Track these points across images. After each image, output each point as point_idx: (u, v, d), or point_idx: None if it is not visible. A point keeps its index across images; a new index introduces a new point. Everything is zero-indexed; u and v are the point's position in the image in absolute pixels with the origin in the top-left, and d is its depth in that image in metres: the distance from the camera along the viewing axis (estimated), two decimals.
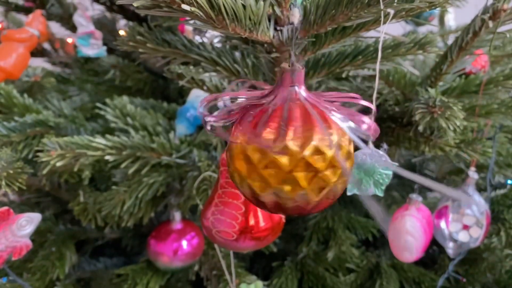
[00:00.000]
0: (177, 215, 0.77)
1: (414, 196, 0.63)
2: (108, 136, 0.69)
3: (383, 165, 0.49)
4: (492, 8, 0.52)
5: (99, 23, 1.04)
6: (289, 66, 0.37)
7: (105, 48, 0.89)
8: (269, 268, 0.91)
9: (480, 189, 0.80)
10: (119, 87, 1.00)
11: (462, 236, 0.68)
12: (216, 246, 0.66)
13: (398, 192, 0.96)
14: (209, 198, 0.52)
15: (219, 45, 0.58)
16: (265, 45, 0.49)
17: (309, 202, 0.36)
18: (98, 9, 1.02)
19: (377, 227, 0.89)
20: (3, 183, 0.60)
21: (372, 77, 0.67)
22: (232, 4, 0.37)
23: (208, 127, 0.39)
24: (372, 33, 0.50)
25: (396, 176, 0.97)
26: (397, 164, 0.49)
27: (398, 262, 0.88)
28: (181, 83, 0.62)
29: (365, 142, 0.39)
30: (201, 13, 0.36)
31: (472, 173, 0.69)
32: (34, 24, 0.75)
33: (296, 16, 0.41)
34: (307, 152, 0.34)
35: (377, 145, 0.50)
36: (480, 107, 0.66)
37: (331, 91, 0.39)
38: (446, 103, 0.57)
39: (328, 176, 0.36)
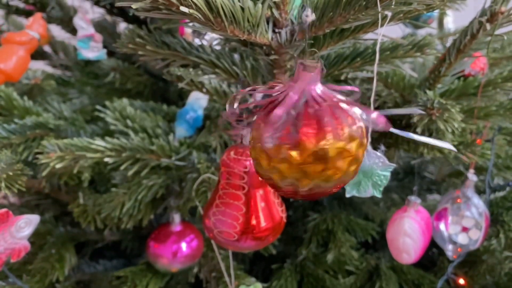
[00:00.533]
0: (176, 217, 0.77)
1: (412, 198, 0.64)
2: (107, 138, 0.69)
3: (381, 167, 0.49)
4: (490, 10, 0.53)
5: (99, 26, 1.04)
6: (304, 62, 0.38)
7: (105, 51, 0.90)
8: (269, 270, 0.91)
9: (480, 191, 0.80)
10: (119, 90, 1.00)
11: (461, 238, 0.68)
12: (215, 248, 0.66)
13: (397, 194, 0.96)
14: (210, 199, 0.52)
15: (218, 47, 0.59)
16: (264, 47, 0.49)
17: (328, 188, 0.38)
18: (98, 12, 1.02)
19: (377, 229, 0.89)
20: (3, 185, 0.60)
21: (371, 79, 0.67)
22: (231, 6, 0.37)
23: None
24: (370, 35, 0.51)
25: (395, 178, 0.97)
26: (395, 165, 0.49)
27: (397, 264, 0.88)
28: (180, 85, 0.62)
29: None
30: (199, 15, 0.36)
31: (471, 175, 0.69)
32: (35, 27, 0.76)
33: (309, 16, 0.41)
34: (339, 144, 0.36)
35: (375, 147, 0.50)
36: (479, 109, 0.66)
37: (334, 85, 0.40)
38: (444, 105, 0.57)
39: (341, 165, 0.37)
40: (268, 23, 0.43)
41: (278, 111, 0.37)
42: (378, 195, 0.51)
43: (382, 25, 0.43)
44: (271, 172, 0.38)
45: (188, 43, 0.56)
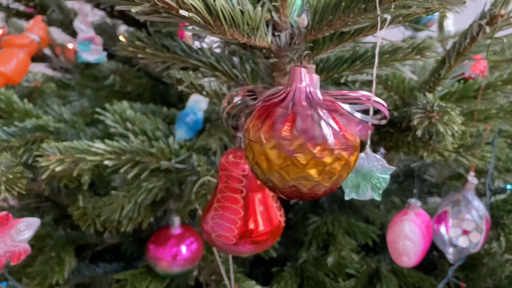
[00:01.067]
0: (176, 220, 0.77)
1: (413, 201, 0.64)
2: (107, 141, 0.69)
3: (380, 170, 0.49)
4: (489, 13, 0.53)
5: (99, 28, 1.04)
6: (299, 65, 0.38)
7: (105, 53, 0.90)
8: (269, 273, 0.91)
9: (480, 194, 0.80)
10: (119, 92, 1.00)
11: (462, 241, 0.68)
12: (215, 251, 0.66)
13: (398, 197, 0.96)
14: (208, 203, 0.52)
15: (218, 50, 0.59)
16: (264, 50, 0.49)
17: (321, 189, 0.39)
18: (98, 15, 1.02)
19: (377, 232, 0.89)
20: (3, 188, 0.60)
21: (371, 82, 0.67)
22: (230, 10, 0.37)
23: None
24: (370, 39, 0.51)
25: (396, 181, 0.97)
26: (394, 168, 0.49)
27: (398, 267, 0.88)
28: (180, 88, 0.62)
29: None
30: (199, 19, 0.36)
31: (472, 178, 0.69)
32: (35, 30, 0.76)
33: (304, 22, 0.41)
34: (316, 150, 0.36)
35: (375, 149, 0.50)
36: (479, 112, 0.66)
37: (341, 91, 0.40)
38: (444, 108, 0.57)
39: (335, 167, 0.37)
40: (267, 26, 0.43)
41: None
42: (378, 198, 0.51)
43: (381, 28, 0.43)
44: (272, 175, 0.38)
45: (187, 46, 0.56)
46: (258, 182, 0.42)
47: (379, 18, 0.41)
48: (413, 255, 0.62)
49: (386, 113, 0.38)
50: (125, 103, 0.82)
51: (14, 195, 0.62)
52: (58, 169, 0.64)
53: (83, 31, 0.88)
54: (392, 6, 0.39)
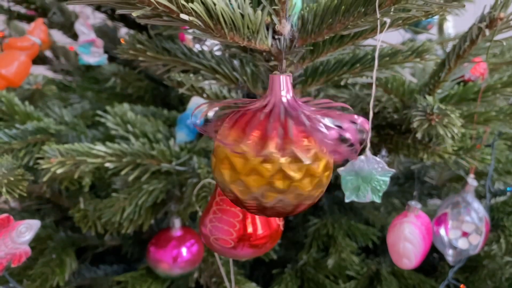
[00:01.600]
0: (177, 222, 0.77)
1: (413, 203, 0.64)
2: (108, 143, 0.69)
3: (380, 172, 0.49)
4: (489, 16, 0.53)
5: (100, 31, 1.05)
6: (278, 72, 0.38)
7: (106, 56, 0.90)
8: (269, 275, 0.91)
9: (480, 196, 0.80)
10: (120, 95, 1.00)
11: (462, 243, 0.68)
12: (215, 253, 0.66)
13: (398, 199, 0.96)
14: (207, 206, 0.52)
15: (218, 53, 0.59)
16: (264, 53, 0.49)
17: (288, 206, 0.37)
18: (99, 18, 1.03)
19: (377, 234, 0.89)
20: (4, 190, 0.60)
21: (371, 85, 0.67)
22: (230, 13, 0.37)
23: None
24: (370, 41, 0.51)
25: (396, 183, 0.97)
26: (394, 171, 0.50)
27: (398, 269, 0.88)
28: (181, 90, 0.62)
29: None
30: (199, 22, 0.36)
31: (471, 180, 0.69)
32: (36, 32, 0.76)
33: (286, 28, 0.41)
34: (284, 160, 0.35)
35: (376, 152, 0.50)
36: (479, 114, 0.66)
37: (325, 99, 0.40)
38: (444, 111, 0.58)
39: (304, 184, 0.36)
40: (268, 29, 0.44)
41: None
42: (378, 200, 0.51)
43: (381, 31, 0.43)
44: (235, 184, 0.37)
45: (188, 49, 0.57)
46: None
47: (378, 21, 0.41)
48: (413, 257, 0.62)
49: (354, 138, 0.36)
50: (126, 106, 0.83)
51: (15, 197, 0.62)
52: (59, 171, 0.64)
53: (84, 33, 0.88)
54: (392, 10, 0.39)
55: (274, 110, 0.37)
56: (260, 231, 0.49)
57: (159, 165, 0.72)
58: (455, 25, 1.19)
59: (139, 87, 1.00)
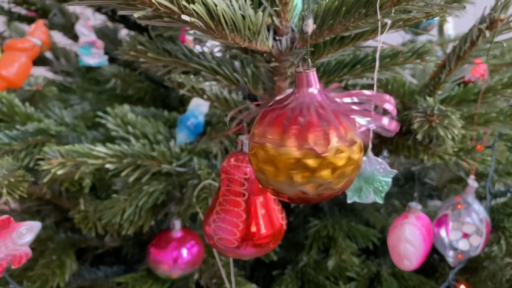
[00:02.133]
0: (177, 224, 0.77)
1: (413, 204, 0.64)
2: (108, 144, 0.69)
3: (382, 173, 0.49)
4: (489, 17, 0.53)
5: (100, 32, 1.05)
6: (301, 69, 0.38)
7: (106, 57, 0.90)
8: (270, 276, 0.91)
9: (480, 197, 0.80)
10: (120, 96, 1.00)
11: (462, 245, 0.68)
12: (216, 254, 0.66)
13: (398, 201, 0.96)
14: (210, 206, 0.52)
15: (219, 54, 0.59)
16: (265, 54, 0.49)
17: (333, 190, 0.38)
18: (100, 19, 1.03)
19: (378, 236, 0.89)
20: (4, 191, 0.60)
21: (372, 86, 0.67)
22: (232, 15, 0.37)
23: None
24: (370, 43, 0.51)
25: (396, 184, 0.97)
26: (396, 171, 0.50)
27: (398, 271, 0.88)
28: (181, 92, 0.62)
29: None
30: (200, 24, 0.37)
31: (472, 182, 0.69)
32: (37, 34, 0.76)
33: (310, 26, 0.41)
34: (327, 152, 0.36)
35: (377, 153, 0.50)
36: (479, 115, 0.66)
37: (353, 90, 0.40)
38: (444, 112, 0.58)
39: (347, 170, 0.37)
40: (268, 30, 0.44)
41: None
42: (380, 201, 0.51)
43: (382, 33, 0.43)
44: (279, 179, 0.37)
45: (189, 50, 0.57)
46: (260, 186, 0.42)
47: (379, 22, 0.41)
48: (414, 259, 0.62)
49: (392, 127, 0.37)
50: (126, 107, 0.83)
51: (15, 199, 0.62)
52: (59, 172, 0.64)
53: (84, 35, 0.88)
54: (393, 11, 0.40)
55: (308, 106, 0.37)
56: (263, 230, 0.49)
57: (160, 166, 0.72)
58: (455, 26, 1.19)
59: (139, 88, 1.00)
